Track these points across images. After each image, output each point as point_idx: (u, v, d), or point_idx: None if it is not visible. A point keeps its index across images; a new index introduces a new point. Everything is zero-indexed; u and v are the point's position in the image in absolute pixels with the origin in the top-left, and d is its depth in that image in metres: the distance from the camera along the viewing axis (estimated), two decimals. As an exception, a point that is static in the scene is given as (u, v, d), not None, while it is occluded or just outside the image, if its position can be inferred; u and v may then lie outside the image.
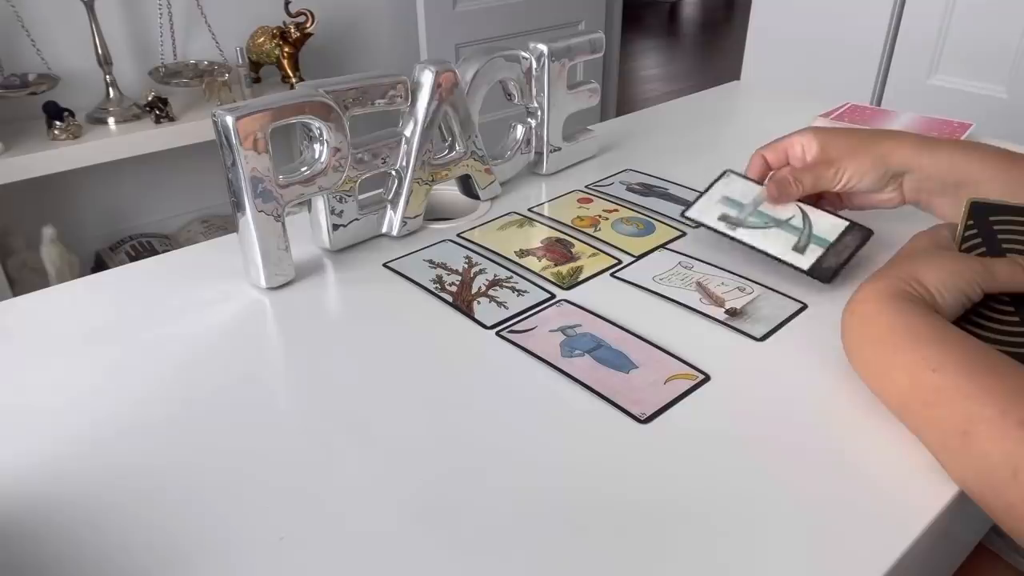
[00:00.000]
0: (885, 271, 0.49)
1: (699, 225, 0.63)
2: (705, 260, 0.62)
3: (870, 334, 0.46)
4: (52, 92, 1.49)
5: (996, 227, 0.50)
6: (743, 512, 0.39)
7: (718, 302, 0.56)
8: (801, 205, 0.61)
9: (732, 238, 0.60)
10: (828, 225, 0.59)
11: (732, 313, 0.54)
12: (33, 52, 1.54)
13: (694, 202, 0.64)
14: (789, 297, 0.57)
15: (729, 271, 0.60)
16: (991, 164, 0.56)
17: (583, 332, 0.54)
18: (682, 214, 0.64)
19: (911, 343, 0.43)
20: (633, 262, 0.62)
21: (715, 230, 0.61)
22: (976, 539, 0.55)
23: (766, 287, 0.58)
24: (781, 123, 0.95)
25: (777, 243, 0.59)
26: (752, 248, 0.59)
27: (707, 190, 0.65)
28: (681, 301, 0.56)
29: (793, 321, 0.54)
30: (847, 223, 0.59)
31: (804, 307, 0.55)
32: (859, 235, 0.59)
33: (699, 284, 0.58)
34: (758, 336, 0.52)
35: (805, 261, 0.57)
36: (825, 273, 0.56)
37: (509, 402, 0.47)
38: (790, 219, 0.60)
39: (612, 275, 0.60)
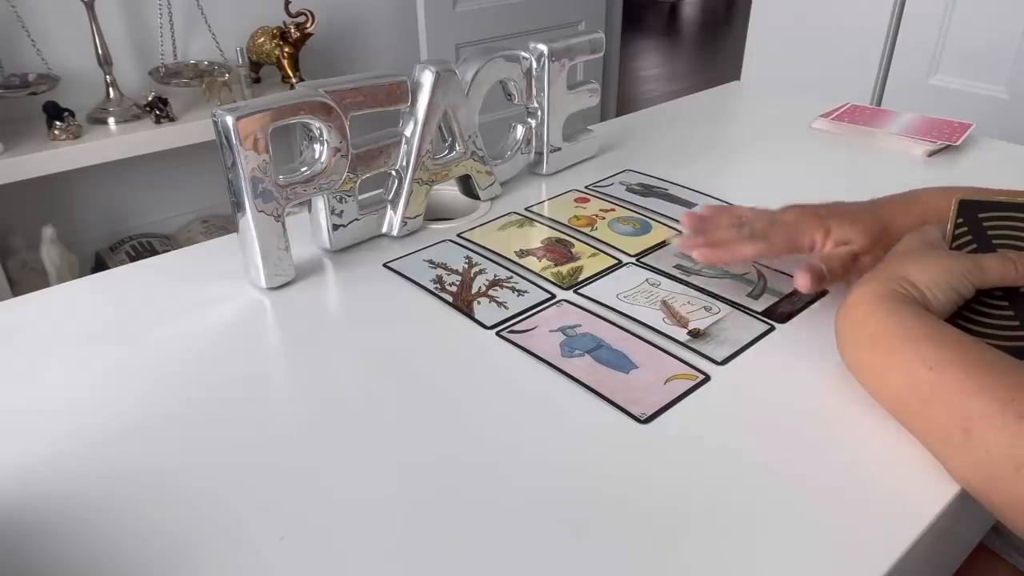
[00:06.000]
0: (876, 273, 0.49)
1: (653, 269, 0.62)
2: (676, 276, 0.60)
3: (864, 336, 0.46)
4: (52, 92, 1.49)
5: (985, 223, 0.51)
6: (743, 513, 0.39)
7: (682, 322, 0.54)
8: (756, 264, 0.62)
9: (686, 282, 0.60)
10: (782, 281, 0.60)
11: (695, 334, 0.53)
12: (33, 52, 1.54)
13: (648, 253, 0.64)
14: (757, 317, 0.55)
15: (698, 288, 0.59)
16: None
17: (583, 332, 0.54)
18: (637, 259, 0.63)
19: (906, 343, 0.43)
20: (598, 278, 0.60)
21: (668, 274, 0.61)
22: (976, 539, 0.55)
23: (734, 306, 0.56)
24: (781, 123, 0.95)
25: (731, 290, 0.59)
26: (706, 292, 0.58)
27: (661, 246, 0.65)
28: (644, 321, 0.55)
29: (790, 322, 0.54)
30: None
31: (772, 328, 0.54)
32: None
33: (664, 303, 0.57)
34: (719, 360, 0.51)
35: (759, 305, 0.56)
36: (780, 316, 0.55)
37: (509, 402, 0.47)
38: (745, 274, 0.61)
39: (576, 291, 0.59)
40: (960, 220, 0.51)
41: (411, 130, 0.65)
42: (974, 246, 0.50)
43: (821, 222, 0.56)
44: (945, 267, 0.47)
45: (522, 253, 0.64)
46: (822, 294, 0.58)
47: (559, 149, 0.80)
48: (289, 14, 1.71)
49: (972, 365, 0.41)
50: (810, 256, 0.56)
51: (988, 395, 0.39)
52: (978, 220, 0.51)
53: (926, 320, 0.44)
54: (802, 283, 0.52)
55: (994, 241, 0.50)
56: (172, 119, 1.56)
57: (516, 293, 0.58)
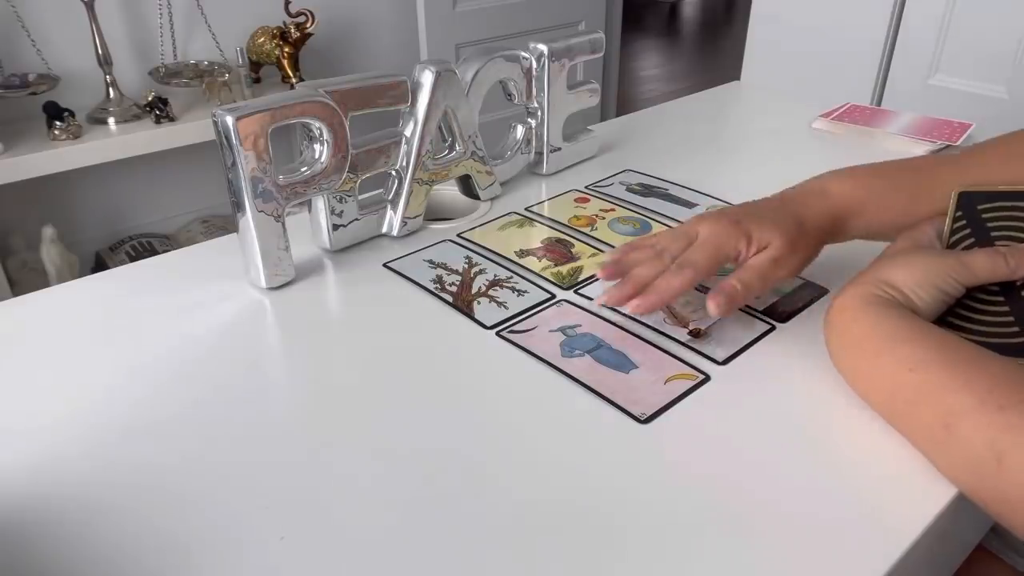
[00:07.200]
0: (860, 277, 0.48)
1: None
2: None
3: (849, 342, 0.47)
4: (52, 92, 1.49)
5: (985, 215, 0.50)
6: (744, 512, 0.39)
7: (682, 322, 0.54)
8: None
9: None
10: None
11: (696, 334, 0.53)
12: (33, 52, 1.54)
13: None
14: (757, 317, 0.55)
15: (699, 288, 0.58)
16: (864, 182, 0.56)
17: (583, 332, 0.54)
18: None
19: (888, 346, 0.44)
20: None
21: None
22: (975, 540, 0.55)
23: None
24: (781, 123, 0.95)
25: None
26: (706, 292, 0.57)
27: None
28: (644, 321, 0.55)
29: (791, 321, 0.54)
30: (802, 280, 0.59)
31: (772, 328, 0.54)
32: (814, 290, 0.58)
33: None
34: (719, 360, 0.50)
35: (760, 304, 0.56)
36: (781, 316, 0.55)
37: (509, 402, 0.47)
38: None
39: (576, 291, 0.59)
40: (959, 214, 0.50)
41: (411, 130, 0.65)
42: (972, 240, 0.50)
43: (741, 228, 0.52)
44: (928, 267, 0.46)
45: (522, 253, 0.64)
46: (823, 292, 0.58)
47: (559, 149, 0.80)
48: (289, 14, 1.71)
49: (952, 363, 0.41)
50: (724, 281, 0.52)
51: (968, 390, 0.39)
52: (977, 212, 0.50)
53: (908, 322, 0.44)
54: (713, 307, 0.50)
55: (993, 234, 0.49)
56: (172, 119, 1.56)
57: (516, 293, 0.58)
